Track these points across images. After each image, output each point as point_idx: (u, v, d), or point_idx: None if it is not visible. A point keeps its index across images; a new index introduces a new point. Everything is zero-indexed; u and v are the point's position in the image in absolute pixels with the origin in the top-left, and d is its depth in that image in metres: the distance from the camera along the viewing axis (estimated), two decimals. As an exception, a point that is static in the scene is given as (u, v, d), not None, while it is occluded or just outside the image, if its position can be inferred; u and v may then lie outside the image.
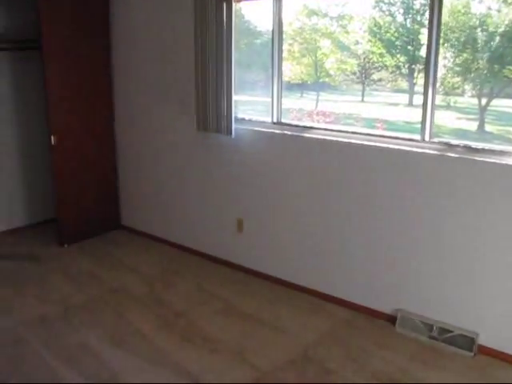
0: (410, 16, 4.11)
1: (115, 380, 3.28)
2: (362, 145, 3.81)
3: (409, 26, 4.12)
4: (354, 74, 4.55)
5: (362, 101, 4.62)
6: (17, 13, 5.39)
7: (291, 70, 4.64)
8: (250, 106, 4.79)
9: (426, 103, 3.55)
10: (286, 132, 4.22)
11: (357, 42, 4.43)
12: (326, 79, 4.77)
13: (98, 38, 5.23)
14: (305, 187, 4.17)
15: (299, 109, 4.74)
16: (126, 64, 5.28)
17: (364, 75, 4.51)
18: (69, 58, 5.02)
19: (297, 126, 4.25)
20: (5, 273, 4.78)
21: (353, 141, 3.87)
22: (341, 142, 3.91)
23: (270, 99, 4.36)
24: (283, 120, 4.36)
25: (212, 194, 4.82)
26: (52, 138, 4.99)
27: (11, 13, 5.37)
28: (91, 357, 3.52)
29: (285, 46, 4.25)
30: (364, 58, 4.44)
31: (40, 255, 5.15)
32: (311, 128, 4.18)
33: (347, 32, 4.43)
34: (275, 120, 4.35)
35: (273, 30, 4.20)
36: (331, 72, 4.63)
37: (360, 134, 3.93)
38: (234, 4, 4.13)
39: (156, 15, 4.85)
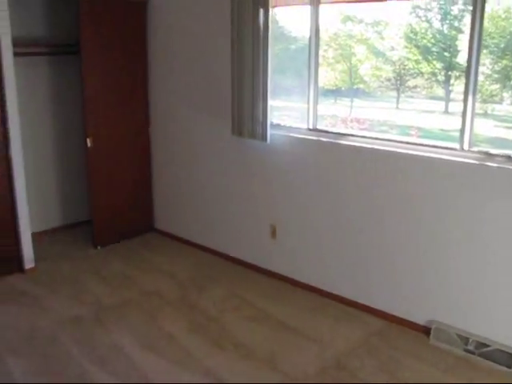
0: (448, 22, 4.05)
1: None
2: (400, 153, 3.76)
3: (446, 32, 4.07)
4: (389, 80, 4.51)
5: (397, 108, 4.57)
6: (57, 17, 5.49)
7: (325, 76, 4.62)
8: (284, 111, 4.77)
9: (466, 111, 3.48)
10: (321, 138, 4.19)
11: (392, 48, 4.38)
12: (361, 85, 4.74)
13: (134, 43, 5.29)
14: (340, 194, 4.13)
15: (333, 115, 4.71)
16: (161, 69, 5.32)
17: (399, 82, 4.47)
18: (106, 62, 5.09)
19: (332, 132, 4.22)
20: (40, 273, 4.85)
21: (389, 148, 3.82)
22: (377, 149, 3.87)
23: (303, 105, 4.34)
24: (318, 126, 4.33)
25: (246, 199, 4.81)
26: (88, 140, 5.06)
27: (51, 17, 5.47)
28: (122, 358, 3.55)
29: (320, 52, 4.23)
30: (399, 65, 4.39)
31: (74, 256, 5.22)
32: (347, 135, 4.14)
33: (382, 38, 4.39)
34: (311, 126, 4.33)
35: (310, 36, 4.18)
36: (366, 78, 4.59)
37: (396, 141, 3.88)
38: (270, 10, 4.13)
39: (192, 20, 4.88)
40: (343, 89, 4.79)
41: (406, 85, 4.45)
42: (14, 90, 4.52)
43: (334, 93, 4.77)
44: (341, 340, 3.76)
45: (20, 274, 4.82)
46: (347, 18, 4.45)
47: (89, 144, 5.06)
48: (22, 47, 5.00)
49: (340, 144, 4.08)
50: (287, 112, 4.80)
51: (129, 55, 5.26)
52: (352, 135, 4.12)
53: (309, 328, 3.91)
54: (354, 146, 3.99)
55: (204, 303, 4.27)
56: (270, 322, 3.99)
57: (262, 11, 4.16)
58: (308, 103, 4.32)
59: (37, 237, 5.27)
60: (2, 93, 4.49)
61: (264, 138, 4.37)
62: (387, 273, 3.96)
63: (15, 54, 4.55)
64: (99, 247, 5.37)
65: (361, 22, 4.42)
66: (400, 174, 3.77)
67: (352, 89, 4.74)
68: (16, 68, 4.56)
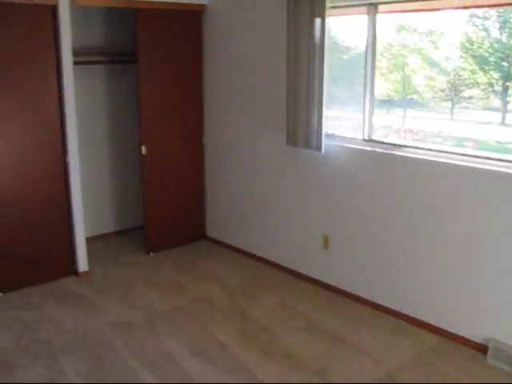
0: (507, 30, 3.94)
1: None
2: (458, 165, 3.66)
3: (505, 41, 3.95)
4: (443, 90, 4.41)
5: (451, 119, 4.47)
6: (114, 27, 5.63)
7: (378, 86, 4.56)
8: (335, 121, 4.73)
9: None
10: (376, 149, 4.13)
11: (447, 58, 4.29)
12: (414, 96, 4.66)
13: (190, 53, 5.36)
14: (395, 207, 4.05)
15: (386, 126, 4.65)
16: (216, 78, 5.37)
17: (453, 92, 4.37)
18: (161, 71, 5.17)
19: (388, 143, 4.15)
20: (94, 277, 4.94)
21: (447, 160, 3.73)
22: (435, 161, 3.78)
23: (355, 115, 4.30)
24: (373, 137, 4.28)
25: (299, 209, 4.78)
26: (142, 147, 5.14)
27: (109, 27, 5.61)
28: (171, 364, 3.57)
29: (369, 62, 4.19)
30: (454, 75, 4.30)
31: (127, 261, 5.29)
32: (402, 146, 4.07)
33: (437, 48, 4.31)
34: (366, 137, 4.28)
35: (366, 46, 4.15)
36: (419, 89, 4.51)
37: (453, 153, 3.78)
38: (326, 19, 4.12)
39: (248, 30, 4.91)
40: (396, 99, 4.72)
41: (461, 95, 4.35)
42: (72, 98, 4.64)
43: (387, 103, 4.71)
44: (394, 354, 3.68)
45: (74, 276, 4.92)
46: (401, 28, 4.39)
47: (143, 151, 5.15)
48: (81, 56, 5.14)
49: (395, 155, 4.01)
50: (339, 122, 4.76)
51: (184, 64, 5.33)
52: (407, 146, 4.05)
53: (361, 341, 3.84)
54: (410, 157, 3.92)
55: (254, 312, 4.25)
56: (321, 333, 3.94)
57: (318, 21, 4.15)
58: (363, 113, 4.27)
59: (90, 241, 5.38)
60: (61, 100, 4.61)
61: (319, 148, 4.34)
62: (444, 288, 3.85)
63: (74, 63, 4.68)
64: (151, 253, 5.43)
65: (415, 31, 4.36)
66: (458, 185, 3.67)
67: (405, 99, 4.67)
68: (75, 76, 4.68)
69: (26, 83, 4.41)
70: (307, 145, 4.42)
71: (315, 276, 4.73)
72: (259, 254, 5.26)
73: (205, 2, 5.29)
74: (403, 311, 4.11)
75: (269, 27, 4.70)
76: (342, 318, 4.16)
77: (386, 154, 4.07)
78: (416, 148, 3.99)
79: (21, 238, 4.59)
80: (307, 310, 4.27)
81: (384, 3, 4.01)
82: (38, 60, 4.44)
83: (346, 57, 4.80)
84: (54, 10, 4.44)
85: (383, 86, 4.53)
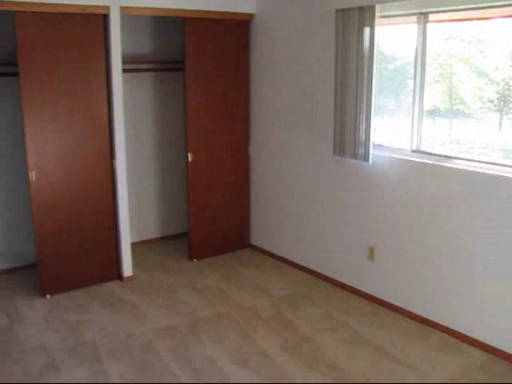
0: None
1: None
2: (509, 178, 3.57)
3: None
4: (492, 101, 4.31)
5: (499, 130, 4.35)
6: (162, 36, 5.72)
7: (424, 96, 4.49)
8: (381, 131, 4.66)
9: None
10: (425, 160, 4.06)
11: (496, 68, 4.19)
12: (460, 106, 4.56)
13: (237, 62, 5.39)
14: (443, 220, 3.96)
15: (431, 136, 4.56)
16: (263, 87, 5.38)
17: (503, 103, 4.25)
18: (209, 80, 5.22)
19: (437, 154, 4.07)
20: (138, 282, 4.99)
21: (498, 173, 3.63)
22: (484, 173, 3.69)
23: (401, 125, 4.24)
24: (421, 148, 4.21)
25: (345, 219, 4.74)
26: (189, 155, 5.18)
27: (157, 36, 5.70)
28: (214, 371, 3.56)
29: (420, 72, 4.13)
30: (503, 85, 4.18)
31: (171, 268, 5.33)
32: (452, 157, 3.99)
33: (486, 57, 4.21)
34: (414, 147, 4.21)
35: (415, 56, 4.10)
36: (466, 99, 4.41)
37: (505, 165, 3.68)
38: (375, 28, 4.09)
39: (296, 39, 4.91)
40: (442, 109, 4.62)
41: (511, 106, 4.23)
42: (120, 104, 4.72)
43: (433, 113, 4.62)
44: (440, 370, 3.58)
45: (119, 281, 4.99)
46: (449, 37, 4.31)
47: (189, 159, 5.19)
48: (130, 64, 5.24)
49: (445, 167, 3.92)
50: (384, 132, 4.69)
51: (231, 73, 5.36)
52: (457, 158, 3.96)
53: (405, 354, 3.76)
54: (460, 169, 3.82)
55: (298, 322, 4.22)
56: (365, 345, 3.88)
57: (367, 30, 4.13)
58: (412, 124, 4.22)
59: (135, 247, 5.44)
60: (109, 107, 4.70)
61: (366, 158, 4.30)
62: (495, 305, 3.73)
63: (123, 71, 4.76)
64: (195, 260, 5.46)
65: (463, 40, 4.27)
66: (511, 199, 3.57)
67: (451, 109, 4.57)
68: (123, 83, 4.76)
69: (78, 89, 4.52)
70: (354, 155, 4.39)
71: (360, 287, 4.66)
72: (304, 263, 5.22)
73: (253, 11, 5.33)
74: (451, 326, 4.00)
75: (317, 36, 4.69)
76: (387, 331, 4.08)
77: (435, 165, 3.99)
78: (466, 160, 3.91)
79: (69, 241, 4.68)
80: (352, 322, 4.22)
81: (435, 12, 3.95)
82: (89, 67, 4.55)
83: (391, 66, 4.74)
84: (105, 19, 4.55)
85: (429, 96, 4.45)
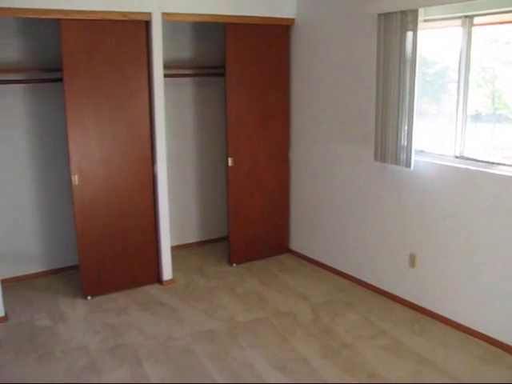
0: None
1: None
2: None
3: None
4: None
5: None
6: (203, 41, 5.75)
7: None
8: (423, 136, 4.59)
9: None
10: (469, 167, 3.97)
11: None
12: (504, 111, 4.45)
13: (278, 67, 5.38)
14: (487, 227, 3.86)
15: (474, 141, 4.46)
16: (303, 93, 5.36)
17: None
18: (249, 85, 5.23)
19: (482, 161, 3.97)
20: (177, 285, 5.02)
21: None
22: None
23: (442, 130, 4.16)
24: (465, 154, 4.12)
25: (385, 225, 4.67)
26: (229, 159, 5.20)
27: (198, 42, 5.74)
28: (253, 376, 3.55)
29: (462, 76, 4.06)
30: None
31: (210, 272, 5.35)
32: (498, 164, 3.88)
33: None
34: (457, 153, 4.13)
35: (459, 60, 4.03)
36: (510, 103, 4.31)
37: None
38: (418, 32, 4.03)
39: (337, 44, 4.87)
40: (484, 114, 4.53)
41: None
42: (162, 110, 4.77)
43: (475, 118, 4.52)
44: (483, 381, 3.48)
45: (158, 284, 5.03)
46: (492, 40, 4.22)
47: (230, 163, 5.20)
48: (171, 69, 5.29)
49: (490, 173, 3.81)
50: (425, 137, 4.62)
51: (272, 78, 5.36)
52: (504, 164, 3.84)
53: (447, 364, 3.67)
54: (507, 176, 3.71)
55: (337, 329, 4.17)
56: (406, 354, 3.80)
57: (409, 34, 4.07)
58: (455, 129, 4.14)
59: (174, 250, 5.48)
60: (151, 112, 4.75)
61: (408, 164, 4.23)
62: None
63: (164, 76, 4.80)
64: (234, 265, 5.47)
65: (507, 43, 4.18)
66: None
67: (494, 114, 4.47)
68: (164, 88, 4.80)
69: (120, 95, 4.58)
70: (396, 161, 4.32)
71: (401, 294, 4.59)
72: (343, 269, 5.17)
73: (293, 16, 5.32)
74: (496, 337, 3.89)
75: (358, 40, 4.66)
76: (428, 339, 4.00)
77: (479, 171, 3.89)
78: (510, 166, 3.80)
79: (110, 244, 4.75)
80: (392, 329, 4.15)
81: (481, 15, 3.88)
82: (131, 73, 4.61)
83: (430, 71, 4.67)
84: (147, 24, 4.61)
85: (472, 101, 4.37)
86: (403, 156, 4.27)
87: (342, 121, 4.94)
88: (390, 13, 4.17)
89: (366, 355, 3.78)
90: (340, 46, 4.86)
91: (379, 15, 4.28)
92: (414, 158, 4.23)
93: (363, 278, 4.96)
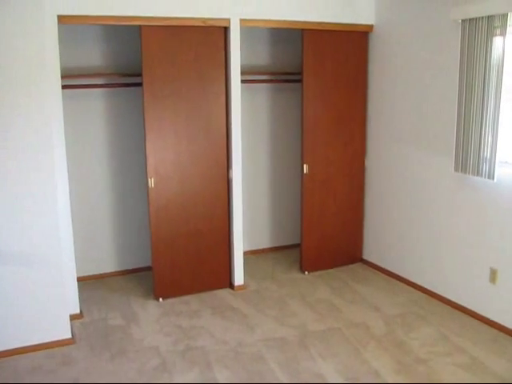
0: None
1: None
2: None
3: None
4: None
5: None
6: (278, 47, 5.75)
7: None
8: (507, 147, 4.38)
9: None
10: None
11: None
12: None
13: (355, 74, 5.31)
14: None
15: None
16: (381, 101, 5.26)
17: None
18: (326, 92, 5.17)
19: None
20: (249, 291, 5.02)
21: None
22: None
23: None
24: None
25: (463, 238, 4.49)
26: (304, 166, 5.15)
27: (273, 46, 5.74)
28: (326, 388, 3.48)
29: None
30: None
31: (281, 278, 5.32)
32: None
33: None
34: (544, 164, 3.94)
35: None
36: None
37: None
38: (507, 37, 3.86)
39: (417, 51, 4.74)
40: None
41: None
42: (238, 115, 4.80)
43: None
44: None
45: (229, 289, 5.04)
46: None
47: (305, 170, 5.16)
48: (247, 75, 5.31)
49: None
50: (508, 147, 4.40)
51: (348, 85, 5.29)
52: None
53: (532, 388, 3.49)
54: None
55: (412, 343, 4.03)
56: (484, 373, 3.62)
57: (497, 40, 3.91)
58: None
59: (246, 255, 5.48)
60: (227, 118, 4.78)
61: (491, 176, 4.06)
62: None
63: (241, 81, 4.82)
64: (306, 272, 5.41)
65: None
66: None
67: None
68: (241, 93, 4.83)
69: (197, 100, 4.64)
70: (478, 172, 4.16)
71: (480, 311, 4.39)
72: (419, 282, 5.01)
73: (371, 23, 5.23)
74: None
75: (439, 47, 4.51)
76: (509, 360, 3.80)
77: None
78: None
79: (183, 247, 4.81)
80: (470, 347, 3.97)
81: None
82: (208, 78, 4.66)
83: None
84: (225, 30, 4.65)
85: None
86: (486, 167, 4.10)
87: (421, 129, 4.80)
88: (475, 18, 4.03)
89: (443, 373, 3.63)
90: (420, 52, 4.72)
91: (463, 21, 4.14)
92: (497, 169, 4.05)
93: (438, 292, 4.78)
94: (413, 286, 5.06)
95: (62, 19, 4.06)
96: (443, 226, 4.69)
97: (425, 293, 4.91)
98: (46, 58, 3.72)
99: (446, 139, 4.52)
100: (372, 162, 5.48)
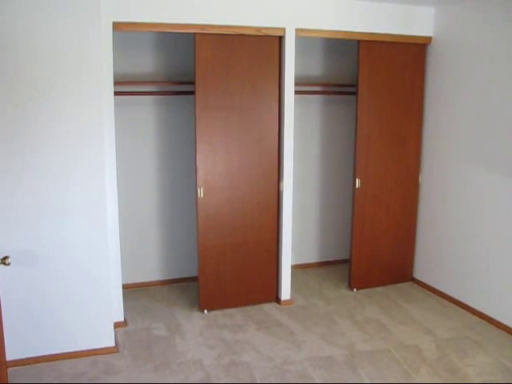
0: None
1: None
2: None
3: None
4: None
5: None
6: (332, 57, 5.65)
7: None
8: None
9: None
10: None
11: None
12: None
13: (412, 87, 5.15)
14: None
15: None
16: (439, 116, 5.07)
17: None
18: (381, 105, 5.04)
19: None
20: (295, 307, 4.90)
21: None
22: None
23: None
24: None
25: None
26: (356, 180, 5.02)
27: (327, 57, 5.64)
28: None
29: None
30: None
31: (329, 295, 5.18)
32: None
33: None
34: None
35: None
36: None
37: None
38: None
39: (480, 67, 4.55)
40: None
41: None
42: (291, 127, 4.71)
43: None
44: None
45: (276, 304, 4.93)
46: None
47: (357, 185, 5.02)
48: (300, 86, 5.22)
49: None
50: None
51: (405, 99, 5.14)
52: None
53: None
54: None
55: (467, 370, 3.81)
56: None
57: None
58: None
59: (293, 269, 5.36)
60: (280, 129, 4.69)
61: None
62: None
63: (294, 92, 4.74)
64: (355, 290, 5.26)
65: None
66: None
67: None
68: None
69: (250, 110, 4.57)
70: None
71: (540, 339, 4.17)
72: (472, 304, 4.79)
73: (431, 35, 5.08)
74: None
75: (505, 62, 4.31)
76: None
77: None
78: None
79: (230, 259, 4.73)
80: (532, 379, 3.74)
81: None
82: (261, 88, 4.59)
83: None
84: (280, 40, 4.58)
85: None
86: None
87: (481, 148, 4.59)
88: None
89: (501, 404, 3.44)
90: (483, 67, 4.53)
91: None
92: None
93: (495, 317, 4.55)
94: (466, 309, 4.83)
95: (117, 26, 4.06)
96: (500, 248, 4.47)
97: (479, 317, 4.68)
98: (102, 64, 3.72)
99: (507, 157, 4.30)
100: (426, 178, 5.29)
